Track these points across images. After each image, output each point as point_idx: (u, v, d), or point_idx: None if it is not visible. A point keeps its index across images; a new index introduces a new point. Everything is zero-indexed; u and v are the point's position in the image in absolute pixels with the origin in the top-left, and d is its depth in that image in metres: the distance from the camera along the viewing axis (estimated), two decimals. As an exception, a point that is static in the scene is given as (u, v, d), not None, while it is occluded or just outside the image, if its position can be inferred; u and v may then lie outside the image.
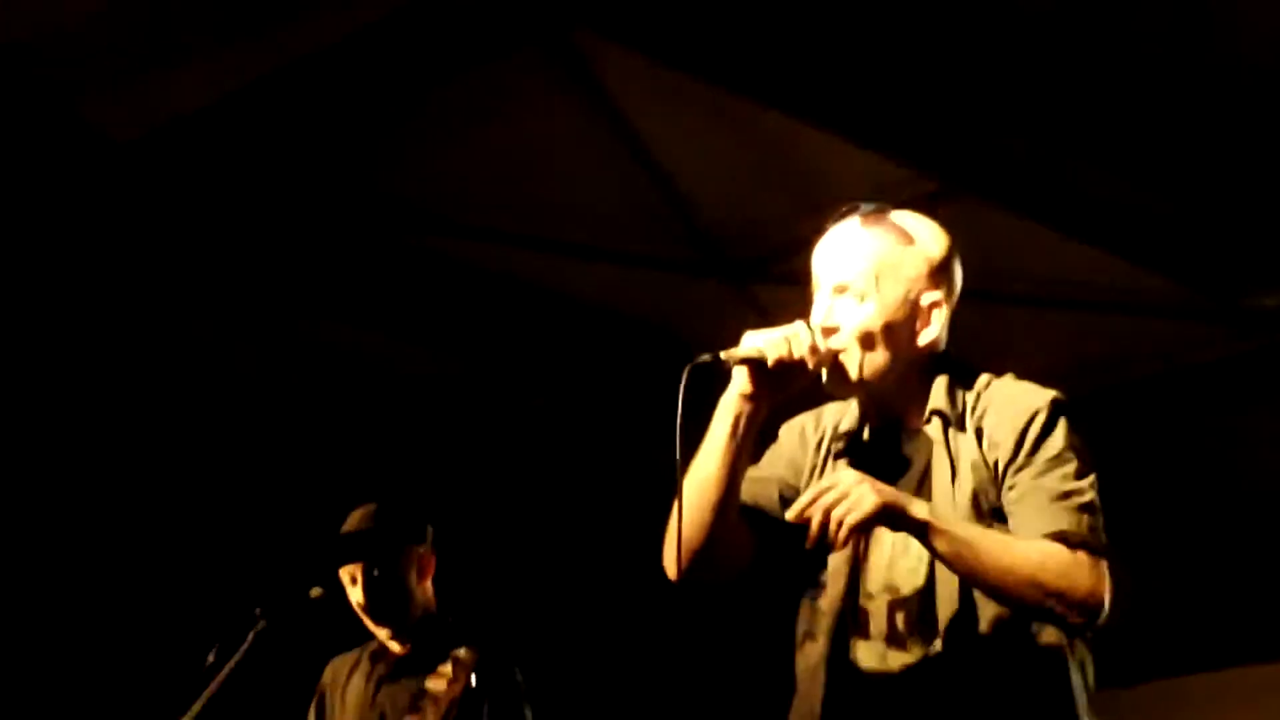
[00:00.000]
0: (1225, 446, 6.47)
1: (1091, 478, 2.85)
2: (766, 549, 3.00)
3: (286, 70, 4.87)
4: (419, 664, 4.57)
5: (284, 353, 6.30)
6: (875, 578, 2.92)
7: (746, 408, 2.89)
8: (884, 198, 4.78)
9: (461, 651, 4.50)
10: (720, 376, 2.91)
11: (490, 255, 5.83)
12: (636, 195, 5.50)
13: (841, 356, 2.91)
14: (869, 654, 2.91)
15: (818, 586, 2.96)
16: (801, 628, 2.99)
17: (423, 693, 4.51)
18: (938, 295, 2.95)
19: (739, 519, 2.96)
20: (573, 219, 5.64)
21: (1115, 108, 5.01)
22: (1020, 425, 2.85)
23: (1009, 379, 2.97)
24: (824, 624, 2.93)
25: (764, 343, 2.87)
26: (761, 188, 5.47)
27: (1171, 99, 4.96)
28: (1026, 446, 2.84)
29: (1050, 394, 2.90)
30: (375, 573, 4.56)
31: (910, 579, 2.89)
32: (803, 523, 2.74)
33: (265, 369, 6.38)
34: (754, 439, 2.93)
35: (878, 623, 2.90)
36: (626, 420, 6.53)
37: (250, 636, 4.04)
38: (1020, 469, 2.84)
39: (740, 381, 2.89)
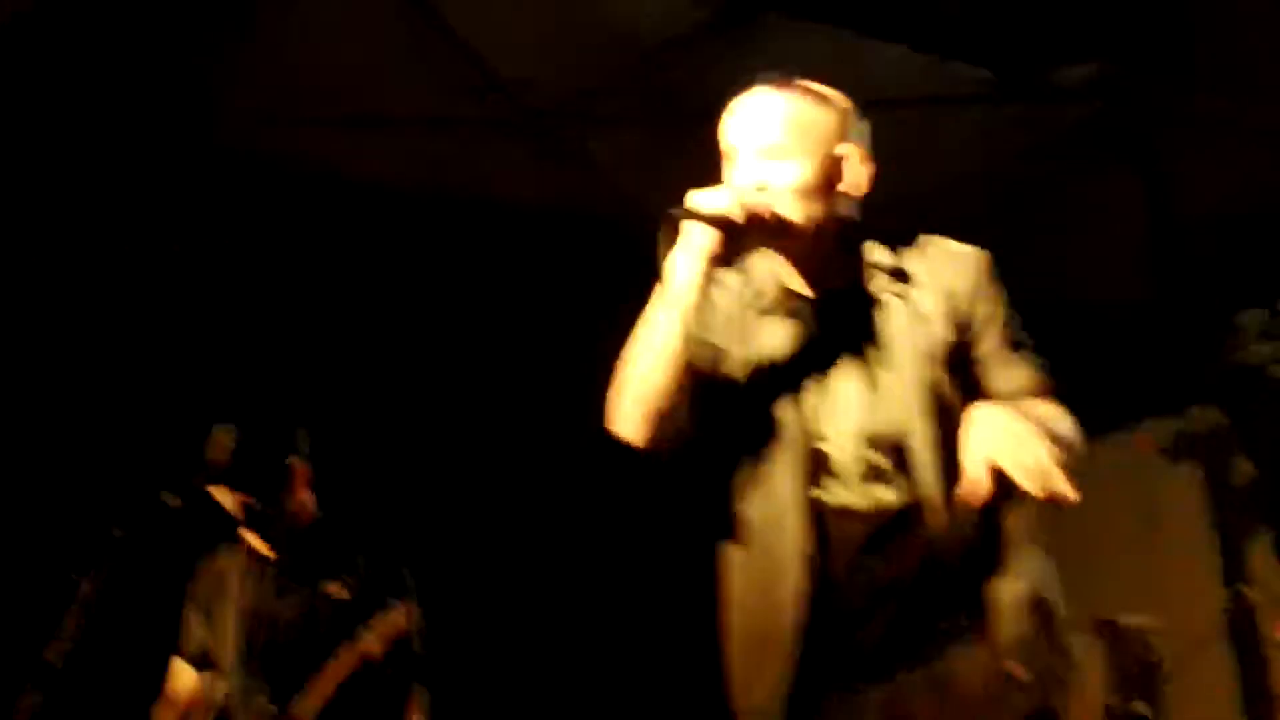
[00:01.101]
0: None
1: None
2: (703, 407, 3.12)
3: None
4: (306, 571, 4.62)
5: (121, 267, 6.22)
6: (843, 422, 3.09)
7: (703, 264, 3.02)
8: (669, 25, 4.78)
9: (350, 560, 4.57)
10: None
11: (298, 147, 5.76)
12: (433, 59, 5.44)
13: (778, 211, 3.07)
14: (849, 493, 3.07)
15: (765, 435, 3.10)
16: (750, 480, 3.11)
17: (320, 597, 4.55)
18: (852, 149, 3.16)
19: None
20: (371, 94, 5.55)
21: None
22: (972, 281, 3.13)
23: (935, 237, 3.21)
24: (789, 469, 3.08)
25: (718, 201, 3.02)
26: (554, 34, 5.44)
27: None
28: (985, 302, 3.13)
29: (980, 250, 3.18)
30: (246, 496, 4.59)
31: (886, 420, 3.07)
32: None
33: (101, 286, 6.30)
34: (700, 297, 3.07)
35: (849, 464, 3.07)
36: (473, 295, 6.54)
37: (111, 553, 4.07)
38: (986, 323, 3.12)
39: (699, 238, 3.01)
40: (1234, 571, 6.83)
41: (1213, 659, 6.64)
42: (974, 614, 3.03)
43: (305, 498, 4.69)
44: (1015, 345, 3.13)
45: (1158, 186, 6.32)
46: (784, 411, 3.09)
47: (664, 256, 3.00)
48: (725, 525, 3.17)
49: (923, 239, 3.20)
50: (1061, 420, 3.03)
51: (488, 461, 6.93)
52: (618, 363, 3.07)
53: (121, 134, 5.57)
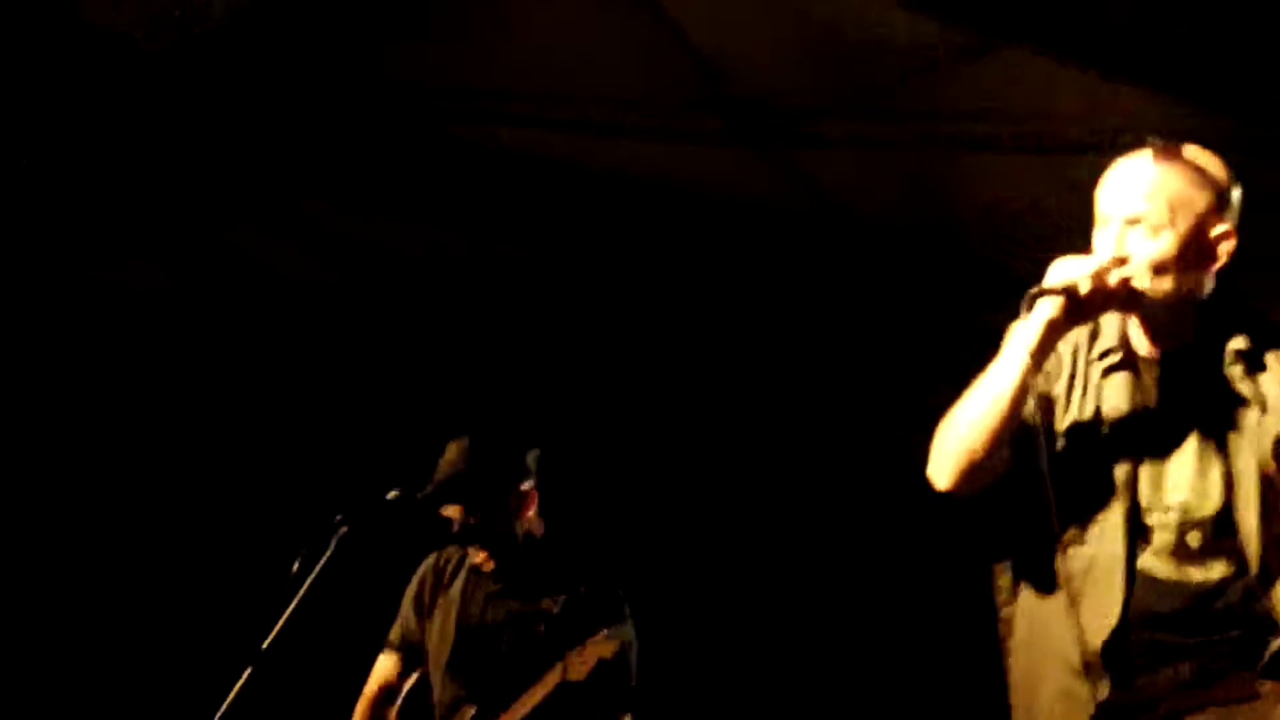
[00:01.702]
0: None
1: None
2: (1021, 459, 3.16)
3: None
4: (524, 587, 4.68)
5: (339, 261, 6.31)
6: (1169, 495, 3.11)
7: (1051, 333, 3.08)
8: (919, 54, 4.75)
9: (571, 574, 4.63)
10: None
11: (515, 138, 5.76)
12: (658, 64, 5.43)
13: (1134, 284, 3.09)
14: (1160, 565, 3.11)
15: (1092, 491, 3.13)
16: (1070, 532, 3.14)
17: (536, 613, 4.63)
18: (1226, 228, 3.14)
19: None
20: (591, 92, 5.54)
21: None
22: None
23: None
24: (1114, 531, 3.11)
25: (1077, 275, 3.06)
26: (787, 49, 5.41)
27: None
28: None
29: None
30: (474, 518, 4.64)
31: (1209, 500, 3.09)
32: None
33: (323, 281, 6.39)
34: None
35: (1165, 537, 3.10)
36: (679, 294, 6.53)
37: (333, 542, 4.13)
38: None
39: (1050, 310, 3.06)
40: None
41: None
42: (1271, 674, 3.06)
43: (531, 518, 4.73)
44: None
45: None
46: (1115, 472, 3.13)
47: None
48: (1026, 566, 3.24)
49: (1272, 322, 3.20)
50: None
51: (715, 484, 6.92)
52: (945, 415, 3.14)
53: (346, 125, 5.65)
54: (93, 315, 6.34)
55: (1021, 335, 3.07)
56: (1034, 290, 3.06)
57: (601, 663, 4.46)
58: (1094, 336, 3.23)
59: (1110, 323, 3.21)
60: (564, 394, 6.57)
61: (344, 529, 4.12)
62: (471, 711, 4.60)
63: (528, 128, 5.68)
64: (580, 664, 4.44)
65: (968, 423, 3.12)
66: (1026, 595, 3.24)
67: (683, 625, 5.95)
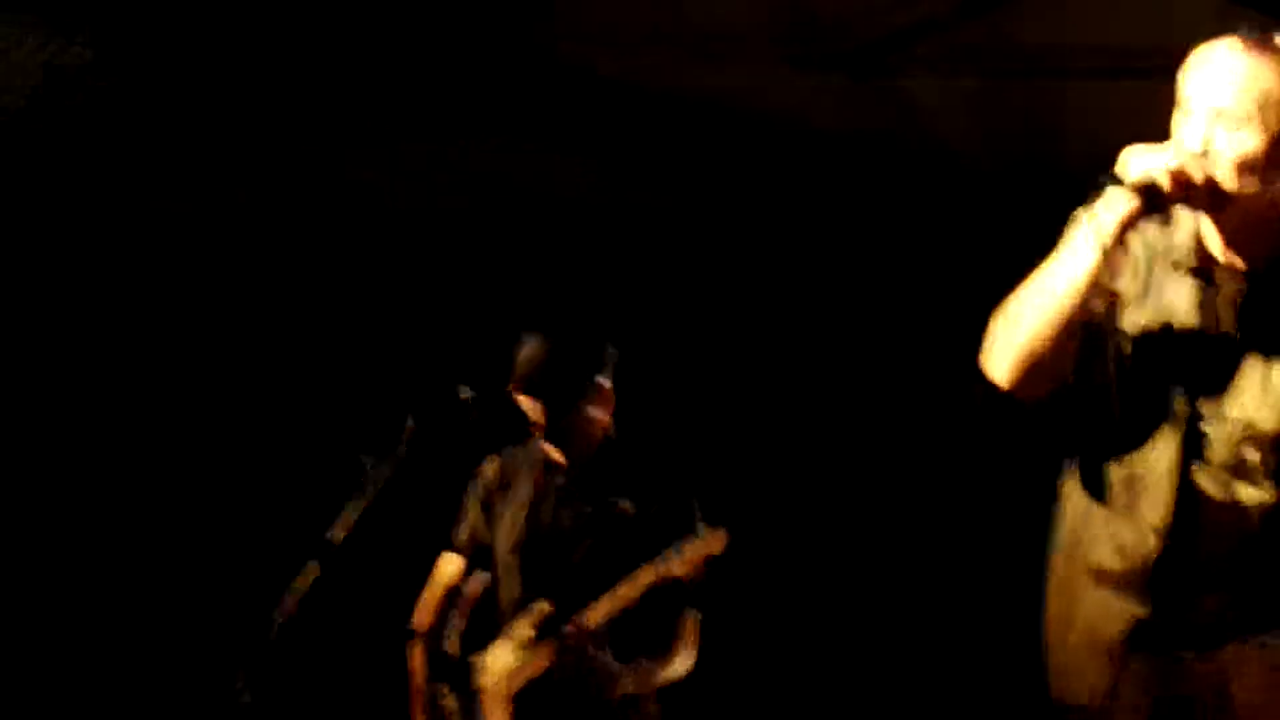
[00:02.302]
0: None
1: None
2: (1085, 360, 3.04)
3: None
4: (599, 487, 4.66)
5: (437, 176, 6.33)
6: (1229, 407, 2.99)
7: (1120, 228, 2.90)
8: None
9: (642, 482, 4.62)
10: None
11: (608, 66, 5.74)
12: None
13: (1214, 180, 2.92)
14: (1210, 481, 3.00)
15: (1148, 395, 3.02)
16: (1123, 439, 3.03)
17: (607, 512, 4.61)
18: None
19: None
20: (683, 20, 5.50)
21: None
22: None
23: None
24: (1167, 439, 3.00)
25: (1157, 168, 2.88)
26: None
27: None
28: None
29: None
30: (553, 412, 4.61)
31: (1269, 418, 2.97)
32: None
33: (420, 192, 6.41)
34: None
35: (1221, 452, 2.99)
36: (771, 221, 6.50)
37: (404, 440, 4.15)
38: None
39: (1126, 204, 2.89)
40: None
41: None
42: None
43: (604, 417, 4.68)
44: None
45: None
46: (1174, 378, 3.01)
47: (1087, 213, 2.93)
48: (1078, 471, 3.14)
49: None
50: None
51: (789, 396, 6.89)
52: (1001, 305, 3.03)
53: (460, 50, 5.64)
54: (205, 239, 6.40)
55: (1093, 228, 2.90)
56: (1103, 179, 2.89)
57: (705, 561, 4.43)
58: (1165, 233, 3.06)
59: (1185, 218, 3.04)
60: (644, 301, 6.55)
61: (413, 427, 4.15)
62: (547, 607, 4.58)
63: (621, 56, 5.66)
64: (684, 561, 4.40)
65: (1032, 319, 2.96)
66: (1073, 500, 3.14)
67: (753, 533, 5.93)
